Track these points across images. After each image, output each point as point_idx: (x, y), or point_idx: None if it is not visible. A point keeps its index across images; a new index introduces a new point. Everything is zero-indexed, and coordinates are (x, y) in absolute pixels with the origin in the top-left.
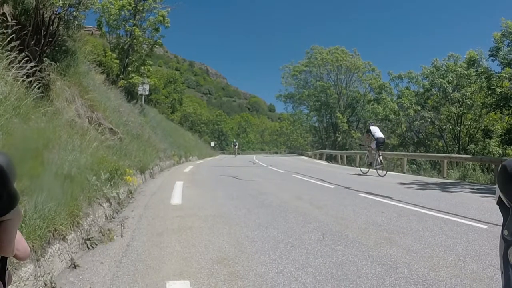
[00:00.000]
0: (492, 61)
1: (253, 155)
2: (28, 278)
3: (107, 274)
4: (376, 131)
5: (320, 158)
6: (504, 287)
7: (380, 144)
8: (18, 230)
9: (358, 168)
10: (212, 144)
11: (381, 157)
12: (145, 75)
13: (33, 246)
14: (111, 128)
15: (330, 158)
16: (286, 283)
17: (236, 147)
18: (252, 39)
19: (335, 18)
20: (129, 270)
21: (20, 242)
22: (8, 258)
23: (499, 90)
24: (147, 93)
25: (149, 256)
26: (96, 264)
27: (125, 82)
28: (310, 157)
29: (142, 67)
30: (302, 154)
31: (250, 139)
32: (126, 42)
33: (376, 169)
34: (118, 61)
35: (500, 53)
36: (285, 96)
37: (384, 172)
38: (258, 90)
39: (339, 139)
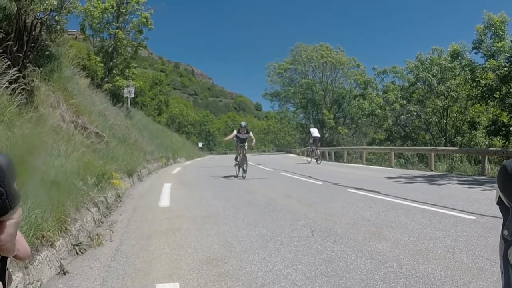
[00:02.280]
0: (476, 53)
1: None
2: (17, 287)
3: (97, 279)
4: (314, 132)
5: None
6: (504, 287)
7: (316, 142)
8: (18, 231)
9: (349, 164)
10: (200, 144)
11: (318, 151)
12: (130, 78)
13: None
14: (97, 132)
15: None
16: (276, 281)
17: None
18: (236, 38)
19: (318, 15)
20: (118, 274)
21: (20, 242)
22: (8, 259)
23: (483, 82)
24: (132, 95)
25: (138, 260)
26: (86, 270)
27: (110, 85)
28: (298, 154)
29: (127, 70)
30: (290, 152)
31: None
32: (110, 45)
33: (315, 159)
34: (102, 65)
35: (483, 45)
36: (271, 95)
37: (320, 161)
38: (244, 89)
39: (326, 135)
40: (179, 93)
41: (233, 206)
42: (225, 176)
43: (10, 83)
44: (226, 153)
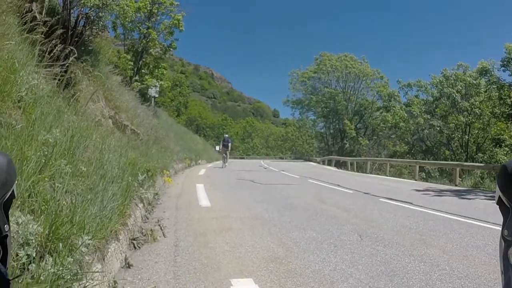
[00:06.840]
0: (504, 71)
1: (259, 160)
2: (97, 277)
3: (167, 273)
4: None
5: (329, 164)
6: (504, 287)
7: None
8: None
9: (372, 175)
10: (217, 148)
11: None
12: (159, 78)
13: (98, 246)
14: (133, 130)
15: (339, 164)
16: (343, 279)
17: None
18: (256, 43)
19: (338, 26)
20: (188, 269)
21: None
22: (8, 260)
23: (509, 100)
24: (157, 95)
25: (202, 256)
26: (151, 264)
27: (139, 84)
28: (319, 163)
29: (156, 70)
30: (310, 160)
31: (255, 144)
32: (140, 44)
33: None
34: (132, 63)
35: None
36: (293, 102)
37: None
38: (262, 96)
39: (346, 145)
40: (197, 95)
41: (275, 210)
42: (253, 181)
43: (55, 75)
44: (243, 158)
